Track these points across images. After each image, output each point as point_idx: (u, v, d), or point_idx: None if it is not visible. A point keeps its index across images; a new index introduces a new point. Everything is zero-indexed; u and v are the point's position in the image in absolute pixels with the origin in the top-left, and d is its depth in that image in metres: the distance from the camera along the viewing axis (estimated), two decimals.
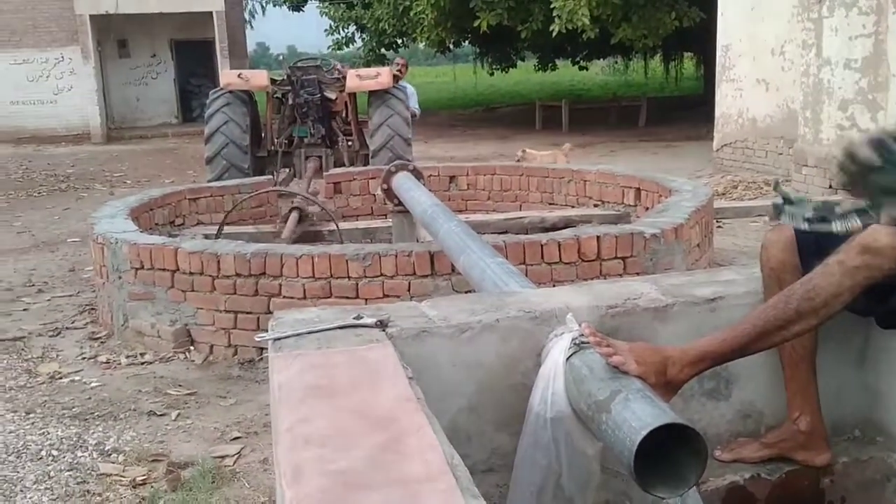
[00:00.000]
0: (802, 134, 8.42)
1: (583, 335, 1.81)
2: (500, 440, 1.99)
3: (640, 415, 1.53)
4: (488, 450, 1.99)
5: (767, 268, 2.00)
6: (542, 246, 4.13)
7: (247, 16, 27.96)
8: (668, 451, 1.57)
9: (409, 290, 3.96)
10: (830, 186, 7.85)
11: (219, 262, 4.18)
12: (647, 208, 5.64)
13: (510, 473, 1.95)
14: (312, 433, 1.30)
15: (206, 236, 5.18)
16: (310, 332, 1.81)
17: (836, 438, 2.10)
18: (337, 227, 5.52)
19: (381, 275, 4.01)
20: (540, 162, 9.26)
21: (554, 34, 13.89)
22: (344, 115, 8.75)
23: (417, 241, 4.85)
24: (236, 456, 3.11)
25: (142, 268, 4.43)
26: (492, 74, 24.98)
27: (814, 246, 1.91)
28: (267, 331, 1.89)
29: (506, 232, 5.38)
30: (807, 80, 8.34)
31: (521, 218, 6.09)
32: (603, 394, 1.64)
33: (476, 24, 15.09)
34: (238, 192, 6.43)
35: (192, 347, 4.32)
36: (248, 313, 4.11)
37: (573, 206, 6.58)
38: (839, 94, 7.90)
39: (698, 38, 16.56)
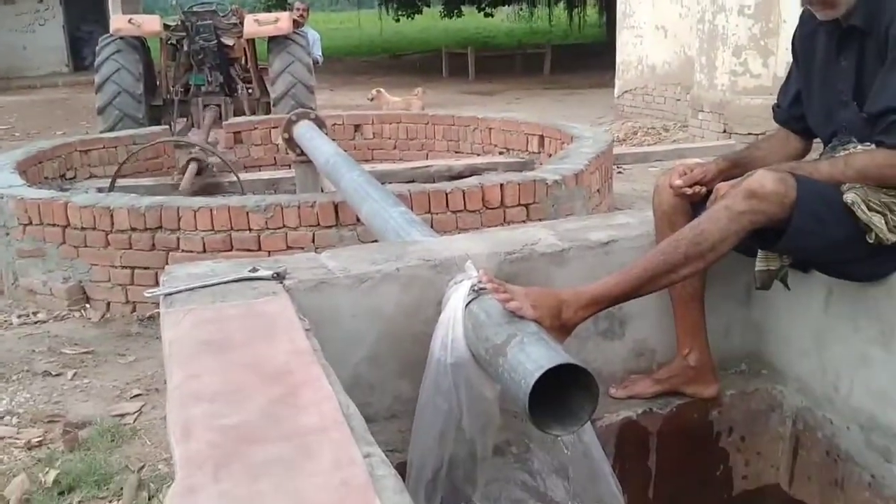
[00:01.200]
0: (698, 80, 8.63)
1: (481, 282, 1.83)
2: (402, 387, 2.00)
3: (534, 357, 1.56)
4: (391, 397, 2.01)
5: (660, 211, 2.05)
6: (446, 194, 4.13)
7: None
8: (564, 391, 1.61)
9: (313, 242, 3.90)
10: (725, 131, 8.11)
11: (112, 216, 4.02)
12: (550, 155, 5.71)
13: (412, 419, 1.97)
14: (203, 389, 1.28)
15: (99, 190, 4.97)
16: (203, 287, 1.76)
17: (724, 372, 2.20)
18: (238, 178, 5.37)
19: (284, 227, 3.94)
20: (392, 107, 9.26)
21: None
22: (243, 61, 8.48)
23: (322, 191, 4.78)
24: (137, 414, 3.04)
25: (30, 223, 4.23)
26: (397, 21, 24.62)
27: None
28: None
29: (412, 181, 5.36)
30: (702, 26, 8.52)
31: (427, 167, 6.08)
32: (500, 338, 1.66)
33: None
34: (132, 143, 6.18)
35: (87, 305, 4.17)
36: (145, 269, 3.99)
37: (479, 155, 6.59)
38: (733, 41, 8.11)
39: None
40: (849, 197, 1.70)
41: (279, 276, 1.84)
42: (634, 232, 2.15)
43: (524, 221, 4.15)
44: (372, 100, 9.88)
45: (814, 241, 1.73)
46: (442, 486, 1.87)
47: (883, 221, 1.68)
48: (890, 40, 1.71)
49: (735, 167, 2.01)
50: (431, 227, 3.71)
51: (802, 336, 2.08)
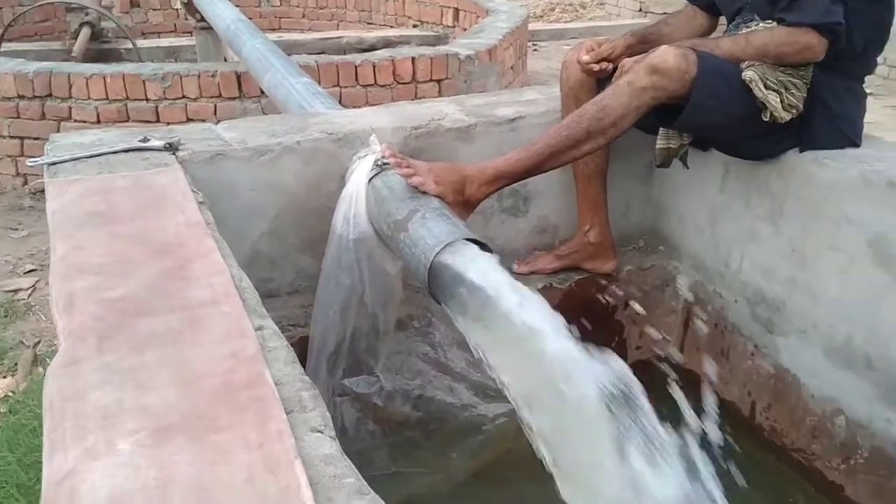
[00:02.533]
0: None
1: (384, 156, 1.79)
2: (304, 263, 1.98)
3: (435, 232, 1.55)
4: (293, 272, 1.99)
5: (566, 87, 2.04)
6: (356, 67, 4.00)
7: None
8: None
9: (215, 114, 3.75)
10: (640, 10, 8.05)
11: None
12: (465, 29, 5.57)
13: (315, 294, 1.96)
14: (88, 261, 1.23)
15: None
16: (90, 157, 1.67)
17: (623, 248, 2.26)
18: (134, 44, 5.07)
19: (184, 97, 3.76)
20: None
21: None
22: None
23: (225, 60, 4.56)
24: (30, 289, 2.94)
25: None
26: None
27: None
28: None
29: (322, 53, 5.16)
30: None
31: (338, 38, 5.85)
32: (401, 213, 1.64)
33: None
34: (18, 3, 5.72)
35: None
36: (35, 139, 3.76)
37: (392, 27, 6.39)
38: None
39: None
40: (747, 74, 1.71)
41: (172, 147, 1.76)
42: (542, 108, 2.14)
43: (436, 97, 4.08)
44: None
45: (712, 117, 1.75)
46: (344, 359, 1.89)
47: (778, 100, 1.70)
48: None
49: (643, 43, 1.99)
50: (340, 101, 3.61)
51: (698, 213, 2.13)
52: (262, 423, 0.90)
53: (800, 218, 1.82)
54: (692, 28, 2.07)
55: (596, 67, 1.96)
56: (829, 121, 1.79)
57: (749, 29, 1.77)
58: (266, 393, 0.95)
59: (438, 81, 4.17)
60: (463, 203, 1.73)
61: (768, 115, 1.72)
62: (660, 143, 1.86)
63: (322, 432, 0.91)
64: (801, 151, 1.82)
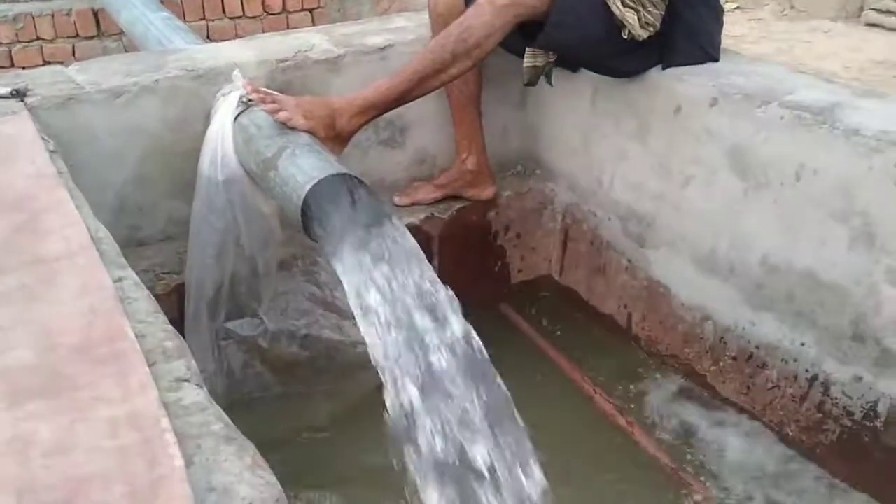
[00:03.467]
0: None
1: (247, 93, 1.73)
2: (175, 207, 1.91)
3: (305, 169, 1.52)
4: (164, 219, 1.92)
5: (435, 13, 2.01)
6: None
7: None
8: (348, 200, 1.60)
9: (73, 55, 3.54)
10: None
11: None
12: None
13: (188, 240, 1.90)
14: None
15: None
16: None
17: (502, 174, 2.28)
18: None
19: (39, 39, 3.53)
20: None
21: None
22: None
23: None
24: None
25: None
26: None
27: None
28: None
29: None
30: None
31: None
32: (270, 151, 1.60)
33: None
34: None
35: None
36: None
37: None
38: None
39: None
40: None
41: (19, 94, 1.65)
42: (411, 36, 2.10)
43: (309, 27, 3.96)
44: None
45: (571, 34, 1.77)
46: (225, 303, 1.85)
47: (636, 17, 1.73)
48: None
49: None
50: (207, 36, 3.48)
51: (572, 135, 2.17)
52: (123, 378, 0.87)
53: (665, 134, 1.88)
54: None
55: None
56: (688, 37, 1.83)
57: None
58: (126, 346, 0.92)
59: (311, 10, 4.06)
60: (335, 137, 1.70)
61: (627, 33, 1.75)
62: (526, 61, 1.87)
63: (188, 381, 0.89)
64: (663, 69, 1.86)
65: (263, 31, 3.83)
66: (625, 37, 1.75)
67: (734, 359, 1.84)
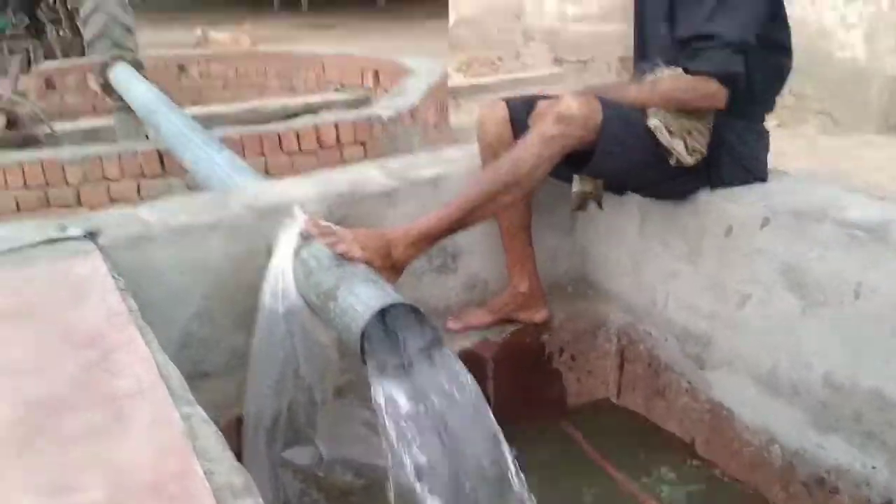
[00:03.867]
0: (529, 9, 8.75)
1: (306, 228, 1.80)
2: (238, 341, 1.95)
3: (363, 299, 1.56)
4: (227, 352, 1.96)
5: (484, 143, 2.08)
6: (279, 136, 4.02)
7: None
8: (402, 327, 1.63)
9: (139, 194, 3.71)
10: (555, 59, 8.30)
11: None
12: (386, 90, 5.65)
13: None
14: (6, 362, 1.20)
15: None
16: (4, 252, 1.64)
17: (554, 296, 2.29)
18: (52, 129, 4.99)
19: (105, 178, 3.72)
20: (223, 43, 8.92)
21: None
22: (50, 0, 7.82)
23: (147, 138, 4.53)
24: None
25: None
26: None
27: (526, 118, 2.01)
28: None
29: (246, 122, 5.16)
30: None
31: (261, 107, 5.87)
32: (329, 283, 1.65)
33: None
34: None
35: None
36: None
37: (314, 91, 6.44)
38: None
39: None
40: (652, 122, 1.78)
41: (91, 235, 1.74)
42: (463, 165, 2.18)
43: (362, 159, 4.11)
44: (197, 45, 9.37)
45: (618, 162, 1.81)
46: (282, 433, 1.86)
47: (683, 146, 1.78)
48: None
49: None
50: (266, 171, 3.63)
51: (621, 257, 2.19)
52: None
53: (716, 255, 1.89)
54: None
55: None
56: (734, 160, 1.87)
57: (655, 76, 1.85)
58: (195, 484, 0.93)
59: (363, 144, 4.21)
60: (390, 267, 1.75)
61: (674, 160, 1.79)
62: (575, 187, 1.91)
63: None
64: (711, 190, 1.89)
65: (319, 165, 3.99)
66: (672, 164, 1.80)
67: (804, 484, 1.78)
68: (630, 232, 2.13)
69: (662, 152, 1.80)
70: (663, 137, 1.77)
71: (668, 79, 1.83)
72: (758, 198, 1.83)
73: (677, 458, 2.06)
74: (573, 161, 1.84)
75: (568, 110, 1.73)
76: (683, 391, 2.06)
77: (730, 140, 1.86)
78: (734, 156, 1.87)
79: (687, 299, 1.99)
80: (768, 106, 1.96)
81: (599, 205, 2.02)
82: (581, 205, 1.95)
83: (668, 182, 1.89)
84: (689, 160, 1.79)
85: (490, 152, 2.06)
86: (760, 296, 1.80)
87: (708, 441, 2.01)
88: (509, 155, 1.78)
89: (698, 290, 1.95)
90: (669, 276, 2.03)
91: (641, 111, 1.81)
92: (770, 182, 1.92)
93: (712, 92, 1.77)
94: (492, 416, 1.53)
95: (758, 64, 1.81)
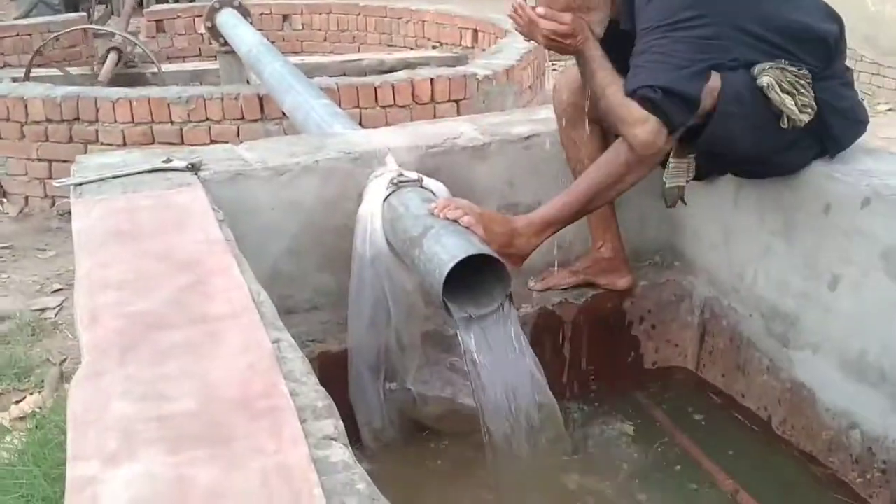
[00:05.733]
0: None
1: (401, 175, 1.83)
2: (323, 280, 2.02)
3: (448, 248, 1.59)
4: (311, 290, 2.02)
5: (560, 109, 2.06)
6: (375, 89, 4.06)
7: None
8: (482, 281, 1.66)
9: (238, 136, 3.81)
10: None
11: (26, 106, 3.85)
12: (484, 50, 5.62)
13: (334, 311, 2.00)
14: (111, 277, 1.27)
15: (14, 80, 4.73)
16: (114, 177, 1.73)
17: (638, 264, 2.27)
18: (159, 69, 5.17)
19: (208, 119, 3.83)
20: None
21: None
22: None
23: (248, 83, 4.64)
24: (57, 308, 3.01)
25: None
26: None
27: None
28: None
29: (343, 75, 5.23)
30: None
31: (358, 60, 5.92)
32: (416, 230, 1.68)
33: None
34: (48, 30, 5.85)
35: (4, 199, 4.04)
36: (63, 161, 3.84)
37: (412, 48, 6.46)
38: None
39: None
40: (763, 80, 1.68)
41: (194, 167, 1.81)
42: (555, 126, 2.16)
43: (454, 117, 4.12)
44: None
45: (738, 125, 1.72)
46: (383, 366, 1.92)
47: (793, 102, 1.69)
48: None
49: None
50: (360, 122, 3.67)
51: (713, 229, 2.15)
52: (277, 432, 0.93)
53: (812, 232, 1.83)
54: None
55: None
56: (842, 116, 1.78)
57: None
58: (281, 402, 0.98)
59: (457, 102, 4.22)
60: (508, 255, 1.75)
61: (786, 120, 1.70)
62: (669, 181, 1.85)
63: (335, 440, 0.94)
64: (831, 158, 1.81)
65: (412, 120, 4.02)
66: (784, 126, 1.71)
67: (882, 471, 1.73)
68: (724, 203, 2.08)
69: (773, 116, 1.70)
70: (775, 95, 1.67)
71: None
72: (860, 176, 1.76)
73: (753, 435, 2.03)
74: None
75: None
76: (764, 369, 2.02)
77: (828, 100, 1.75)
78: (839, 114, 1.77)
79: (777, 276, 1.94)
80: (844, 56, 1.85)
81: (684, 199, 1.94)
82: (674, 201, 1.90)
83: (780, 154, 1.80)
84: (802, 118, 1.69)
85: (566, 118, 2.03)
86: (855, 278, 1.74)
87: (785, 420, 1.97)
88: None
89: (790, 267, 1.90)
90: (761, 251, 1.98)
91: (748, 70, 1.71)
92: (874, 162, 1.84)
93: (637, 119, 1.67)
94: (543, 382, 1.70)
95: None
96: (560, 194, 1.83)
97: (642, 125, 1.67)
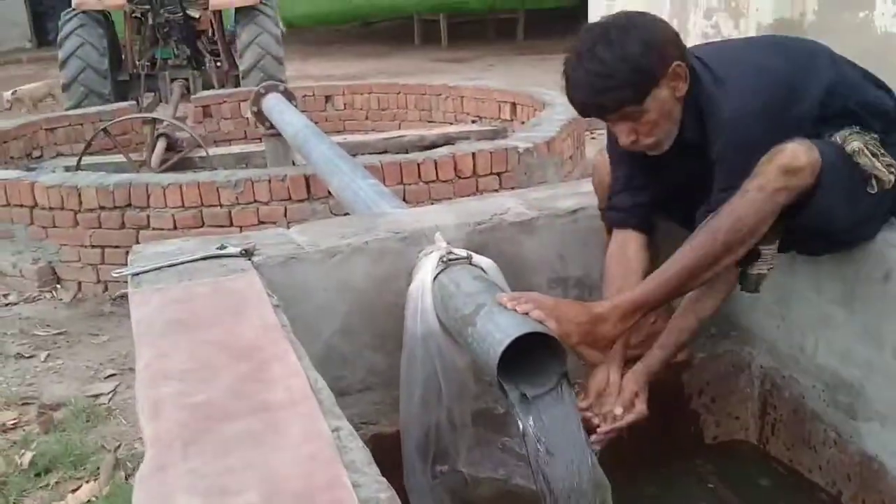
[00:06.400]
0: None
1: (450, 252, 1.84)
2: (375, 359, 2.01)
3: (502, 326, 1.57)
4: (364, 370, 2.02)
5: (600, 189, 2.05)
6: (418, 165, 4.12)
7: None
8: (537, 357, 1.63)
9: (285, 216, 3.88)
10: None
11: (80, 194, 3.98)
12: (523, 122, 5.69)
13: (386, 391, 1.99)
14: (171, 368, 1.28)
15: (67, 169, 4.90)
16: (171, 265, 1.76)
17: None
18: (207, 153, 5.32)
19: (255, 201, 3.91)
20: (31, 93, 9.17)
21: None
22: (210, 33, 8.33)
23: (293, 164, 4.75)
24: (111, 394, 3.04)
25: None
26: None
27: None
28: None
29: (385, 152, 5.33)
30: None
31: (400, 137, 6.04)
32: (468, 308, 1.67)
33: None
34: (99, 119, 6.08)
35: (58, 286, 4.14)
36: (115, 247, 3.95)
37: (451, 123, 6.56)
38: (704, 3, 8.09)
39: None
40: (852, 146, 1.65)
41: (248, 253, 1.84)
42: None
43: (497, 190, 4.15)
44: (9, 106, 9.44)
45: (838, 205, 1.67)
46: (433, 448, 1.89)
47: (881, 164, 1.65)
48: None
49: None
50: (404, 198, 3.72)
51: (769, 299, 2.10)
52: None
53: (874, 300, 1.79)
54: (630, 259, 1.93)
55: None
56: None
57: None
58: (343, 495, 0.97)
59: (499, 174, 4.26)
60: (591, 343, 1.67)
61: (874, 184, 1.66)
62: (758, 268, 1.75)
63: None
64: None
65: (455, 194, 4.06)
66: (871, 192, 1.67)
67: None
68: (779, 274, 2.04)
69: (862, 182, 1.66)
70: (865, 160, 1.64)
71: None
72: None
73: None
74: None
75: (796, 161, 1.60)
76: (831, 441, 1.95)
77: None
78: None
79: (839, 346, 1.89)
80: None
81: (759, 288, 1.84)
82: (755, 287, 1.79)
83: (866, 223, 1.75)
84: (890, 178, 1.65)
85: (605, 197, 2.03)
86: None
87: (856, 496, 1.89)
88: (729, 214, 1.64)
89: (852, 336, 1.85)
90: (821, 321, 1.93)
91: (836, 144, 1.69)
92: None
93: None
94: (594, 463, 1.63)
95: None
96: (653, 275, 1.73)
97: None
